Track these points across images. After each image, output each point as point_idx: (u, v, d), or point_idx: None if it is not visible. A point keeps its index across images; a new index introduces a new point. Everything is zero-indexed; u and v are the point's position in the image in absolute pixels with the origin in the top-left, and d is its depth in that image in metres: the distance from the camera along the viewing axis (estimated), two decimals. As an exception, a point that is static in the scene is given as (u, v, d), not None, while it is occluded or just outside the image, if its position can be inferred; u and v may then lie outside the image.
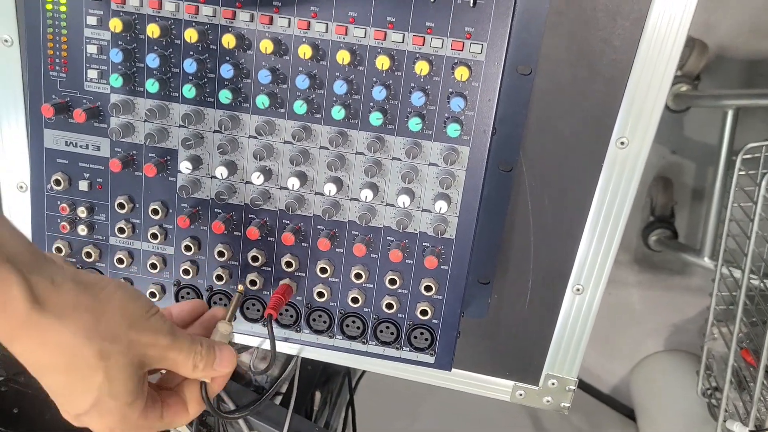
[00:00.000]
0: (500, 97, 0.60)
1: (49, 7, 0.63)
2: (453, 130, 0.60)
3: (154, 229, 0.68)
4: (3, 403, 0.97)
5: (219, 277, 0.68)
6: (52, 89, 0.65)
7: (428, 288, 0.66)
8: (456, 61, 0.60)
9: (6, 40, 0.71)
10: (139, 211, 0.68)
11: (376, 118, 0.61)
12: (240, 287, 0.61)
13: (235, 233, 0.67)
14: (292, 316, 0.70)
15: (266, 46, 0.60)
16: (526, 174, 0.68)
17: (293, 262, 0.67)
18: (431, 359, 0.69)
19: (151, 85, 0.63)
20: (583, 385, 1.82)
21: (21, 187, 0.76)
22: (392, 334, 0.69)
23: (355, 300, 0.67)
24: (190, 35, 0.60)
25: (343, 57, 0.60)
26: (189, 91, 0.62)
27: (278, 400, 0.97)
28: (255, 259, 0.67)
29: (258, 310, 0.70)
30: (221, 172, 0.64)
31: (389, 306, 0.67)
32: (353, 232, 0.66)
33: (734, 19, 1.52)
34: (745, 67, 1.55)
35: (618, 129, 0.64)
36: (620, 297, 1.76)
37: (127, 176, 0.67)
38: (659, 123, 0.64)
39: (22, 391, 0.98)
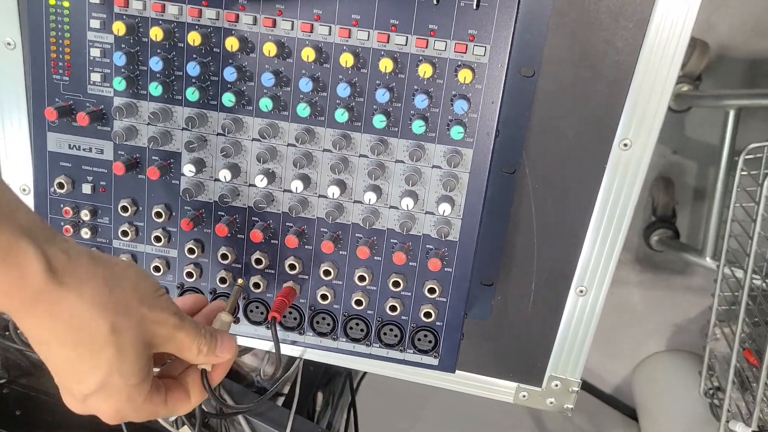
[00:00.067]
0: (503, 99, 0.60)
1: (52, 10, 0.63)
2: (456, 132, 0.60)
3: (158, 232, 0.68)
4: (5, 405, 0.97)
5: (222, 280, 0.68)
6: (55, 92, 0.65)
7: (432, 290, 0.66)
8: (459, 63, 0.60)
9: (9, 43, 0.71)
10: (143, 214, 0.68)
11: (379, 121, 0.61)
12: (240, 281, 0.62)
13: (238, 236, 0.67)
14: (295, 319, 0.70)
15: (269, 49, 0.60)
16: (529, 176, 0.68)
17: (297, 264, 0.67)
18: (435, 361, 0.69)
19: (155, 89, 0.63)
20: (584, 385, 1.82)
21: (24, 189, 0.77)
22: (396, 336, 0.69)
23: (358, 302, 0.67)
24: (194, 38, 0.60)
25: (347, 60, 0.60)
26: (192, 94, 0.62)
27: (280, 401, 0.97)
28: (258, 261, 0.67)
29: (261, 313, 0.70)
30: (224, 175, 0.64)
31: (393, 308, 0.67)
32: (357, 235, 0.66)
33: (735, 18, 1.52)
34: (746, 66, 1.55)
35: (621, 131, 0.64)
36: (622, 297, 1.76)
37: (130, 179, 0.67)
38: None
39: (24, 393, 0.98)
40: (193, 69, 0.61)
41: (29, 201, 0.74)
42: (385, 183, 0.64)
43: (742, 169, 1.15)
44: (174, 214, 0.67)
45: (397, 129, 0.62)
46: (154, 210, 0.67)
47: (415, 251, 0.65)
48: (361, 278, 0.66)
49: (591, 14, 0.62)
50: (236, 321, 0.69)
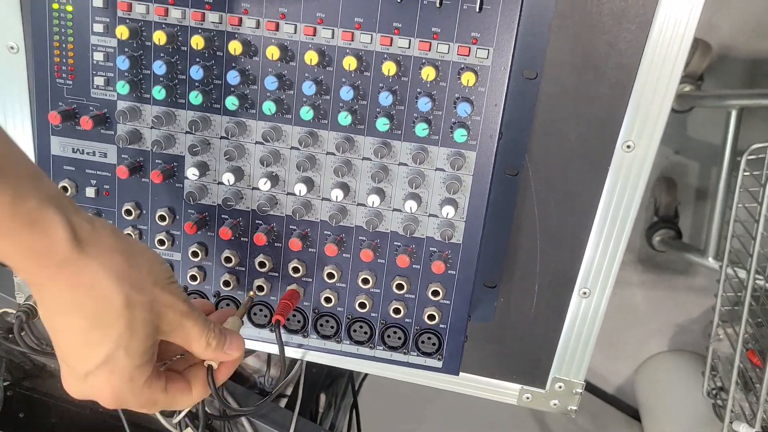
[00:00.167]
0: (506, 102, 0.60)
1: (55, 14, 0.63)
2: (460, 135, 0.60)
3: (161, 236, 0.68)
4: (8, 408, 0.97)
5: (226, 283, 0.68)
6: (58, 96, 0.65)
7: (435, 293, 0.66)
8: (462, 66, 0.60)
9: (12, 47, 0.71)
10: (146, 217, 0.68)
11: (382, 124, 0.61)
12: (251, 293, 0.63)
13: (242, 239, 0.67)
14: (299, 322, 0.70)
15: (273, 52, 0.60)
16: (532, 178, 0.68)
17: (300, 267, 0.67)
18: (439, 364, 0.69)
19: (158, 92, 0.63)
20: (587, 386, 1.82)
21: (27, 193, 0.77)
22: (400, 338, 0.69)
23: (362, 305, 0.67)
24: (197, 42, 0.60)
25: (350, 63, 0.60)
26: (196, 97, 0.62)
27: (283, 402, 0.97)
28: (262, 264, 0.67)
29: (265, 316, 0.70)
30: (228, 178, 0.64)
31: (396, 311, 0.67)
32: (360, 238, 0.66)
33: (737, 18, 1.52)
34: (748, 66, 1.55)
35: (624, 132, 0.64)
36: (624, 297, 1.76)
37: (134, 183, 0.67)
38: (663, 124, 0.64)
39: (28, 396, 0.98)
40: (196, 72, 0.62)
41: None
42: (389, 186, 0.64)
43: (744, 170, 1.15)
44: (177, 217, 0.68)
45: (400, 132, 0.62)
46: (158, 213, 0.67)
47: (418, 254, 0.65)
48: (365, 281, 0.66)
49: (593, 16, 0.62)
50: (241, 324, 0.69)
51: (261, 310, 0.70)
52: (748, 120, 1.44)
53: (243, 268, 0.68)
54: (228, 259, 0.67)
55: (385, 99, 0.60)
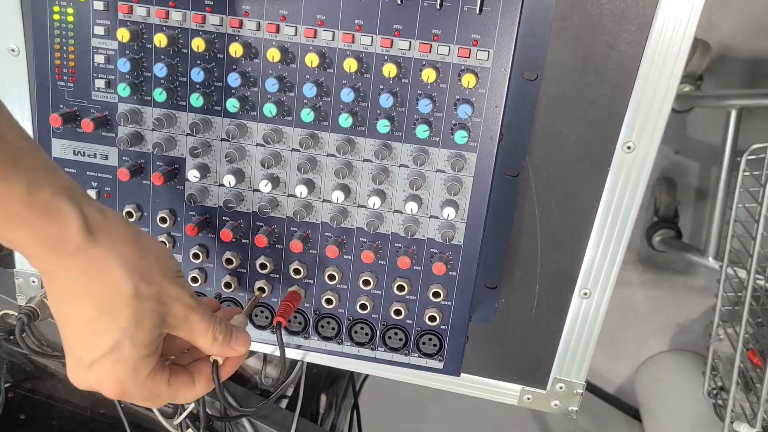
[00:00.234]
0: (506, 103, 0.60)
1: (56, 17, 0.63)
2: (460, 136, 0.60)
3: (162, 238, 0.68)
4: (9, 409, 0.98)
5: (227, 285, 0.69)
6: (59, 99, 0.65)
7: (436, 294, 0.66)
8: (463, 68, 0.60)
9: (13, 50, 0.71)
10: (147, 219, 0.68)
11: (383, 126, 0.61)
12: (258, 292, 0.65)
13: (243, 241, 0.68)
14: (300, 323, 0.70)
15: (273, 54, 0.60)
16: (533, 179, 0.68)
17: (301, 269, 0.67)
18: (440, 365, 0.69)
19: (159, 95, 0.63)
20: (588, 386, 1.82)
21: (28, 195, 0.77)
22: (401, 340, 0.69)
23: (363, 306, 0.67)
24: (198, 44, 0.61)
25: (350, 65, 0.60)
26: (196, 100, 0.62)
27: (284, 403, 0.97)
28: (263, 266, 0.67)
29: (266, 317, 0.70)
30: (229, 180, 0.64)
31: (397, 312, 0.67)
32: (361, 239, 0.66)
33: (736, 19, 1.52)
34: (747, 66, 1.55)
35: (624, 133, 0.64)
36: (624, 297, 1.76)
37: (135, 185, 0.67)
38: (663, 124, 0.64)
39: (29, 397, 0.98)
40: (197, 75, 0.62)
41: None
42: (389, 187, 0.64)
43: (744, 170, 1.15)
44: (179, 219, 0.68)
45: (400, 133, 0.62)
46: (159, 215, 0.67)
47: (419, 255, 0.66)
48: (366, 282, 0.66)
49: (593, 18, 0.62)
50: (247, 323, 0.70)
51: (262, 312, 0.70)
52: (748, 120, 1.44)
53: (244, 270, 0.69)
54: (229, 261, 0.68)
55: (386, 101, 0.60)
